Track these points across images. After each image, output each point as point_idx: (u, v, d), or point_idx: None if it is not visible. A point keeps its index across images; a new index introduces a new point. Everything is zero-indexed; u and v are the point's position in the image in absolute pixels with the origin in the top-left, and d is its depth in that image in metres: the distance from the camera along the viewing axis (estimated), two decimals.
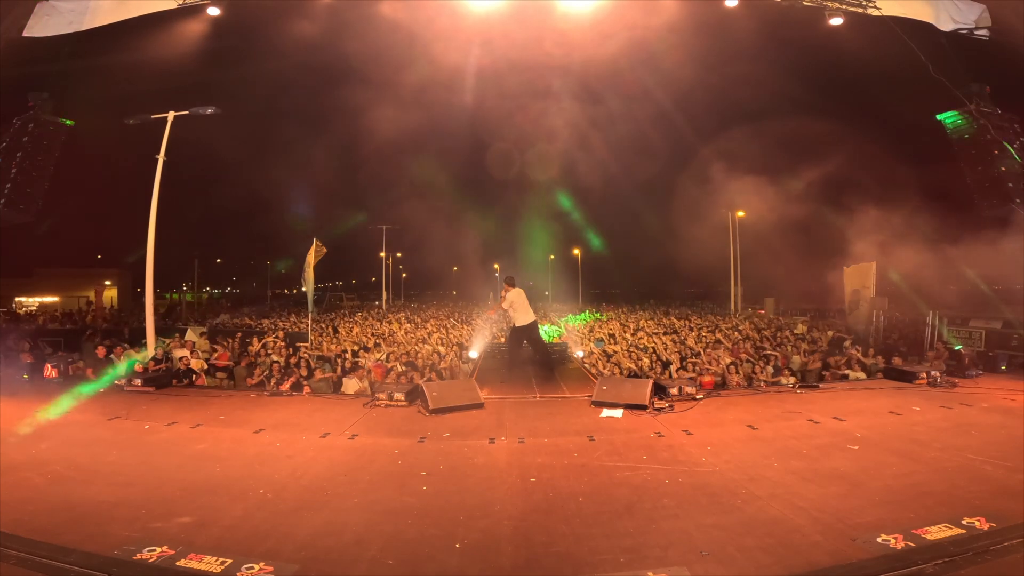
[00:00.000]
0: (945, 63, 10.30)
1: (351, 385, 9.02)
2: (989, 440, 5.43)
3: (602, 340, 13.63)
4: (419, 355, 11.57)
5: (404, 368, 10.06)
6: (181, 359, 10.22)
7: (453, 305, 32.88)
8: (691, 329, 15.38)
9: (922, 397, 7.56)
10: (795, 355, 11.29)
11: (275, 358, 10.70)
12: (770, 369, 9.96)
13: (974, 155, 10.77)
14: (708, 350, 11.39)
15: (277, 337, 13.12)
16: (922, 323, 12.33)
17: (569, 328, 16.79)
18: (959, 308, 12.39)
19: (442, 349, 12.55)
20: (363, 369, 9.53)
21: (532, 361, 10.46)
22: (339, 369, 9.96)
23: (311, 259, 12.85)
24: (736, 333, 14.60)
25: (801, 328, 15.07)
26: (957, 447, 5.22)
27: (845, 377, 9.51)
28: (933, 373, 8.46)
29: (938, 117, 11.28)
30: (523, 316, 9.98)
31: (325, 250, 12.95)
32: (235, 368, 10.15)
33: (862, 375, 9.57)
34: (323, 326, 17.07)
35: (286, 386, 8.84)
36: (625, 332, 15.26)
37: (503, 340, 14.49)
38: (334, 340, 13.83)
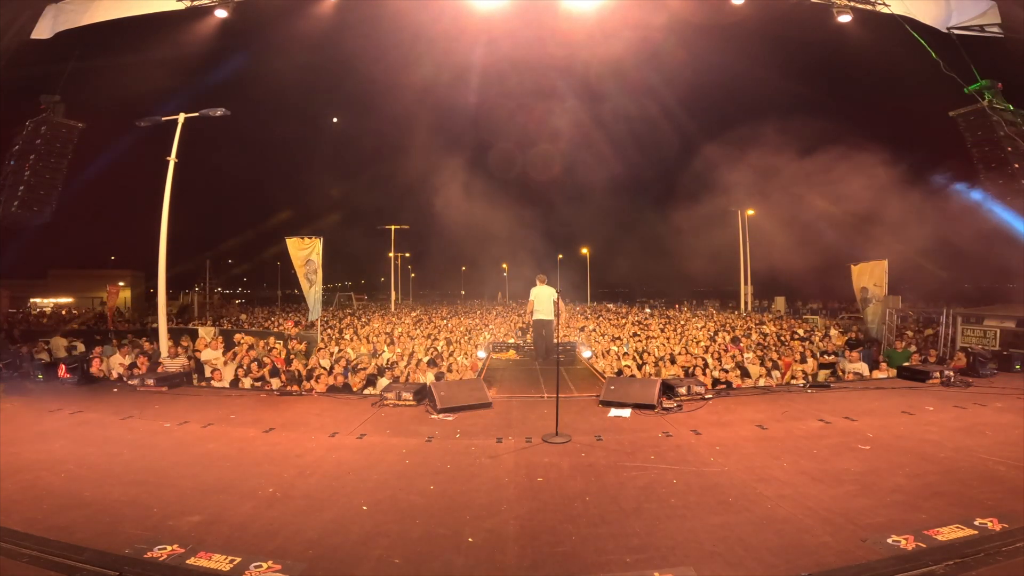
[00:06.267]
0: (956, 59, 10.17)
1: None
2: (1003, 440, 5.35)
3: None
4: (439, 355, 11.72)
5: (415, 368, 10.16)
6: (206, 362, 10.42)
7: (464, 306, 32.98)
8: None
9: (935, 397, 7.46)
10: (809, 357, 11.24)
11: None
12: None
13: (987, 152, 10.60)
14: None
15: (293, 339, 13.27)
16: (935, 322, 12.20)
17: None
18: (974, 305, 12.26)
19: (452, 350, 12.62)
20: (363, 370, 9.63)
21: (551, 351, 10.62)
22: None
23: (303, 257, 12.94)
24: (758, 335, 14.60)
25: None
26: (970, 447, 5.15)
27: (859, 376, 9.45)
28: (947, 372, 8.37)
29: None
30: (540, 312, 10.35)
31: (313, 240, 12.96)
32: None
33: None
34: (333, 330, 17.19)
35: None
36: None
37: (511, 339, 14.61)
38: (343, 342, 13.93)
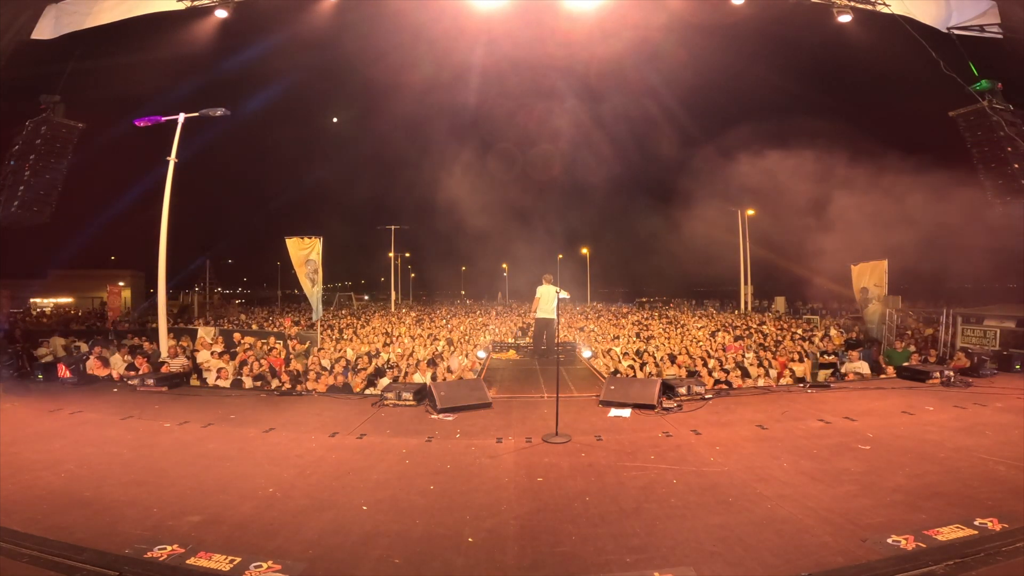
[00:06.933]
0: (956, 60, 10.17)
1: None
2: (1003, 440, 5.36)
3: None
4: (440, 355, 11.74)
5: (413, 367, 10.14)
6: (202, 363, 10.39)
7: (464, 305, 33.01)
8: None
9: (935, 397, 7.47)
10: (805, 356, 11.23)
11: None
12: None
13: (987, 152, 10.60)
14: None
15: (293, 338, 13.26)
16: (935, 322, 12.21)
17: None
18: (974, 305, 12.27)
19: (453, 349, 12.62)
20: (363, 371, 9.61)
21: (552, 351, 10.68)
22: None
23: (302, 257, 12.94)
24: (759, 335, 14.59)
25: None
26: (970, 447, 5.15)
27: (860, 376, 9.46)
28: (947, 372, 8.37)
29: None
30: (543, 311, 10.63)
31: (313, 239, 12.95)
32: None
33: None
34: (333, 330, 17.17)
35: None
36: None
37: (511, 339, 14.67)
38: (342, 342, 13.92)
